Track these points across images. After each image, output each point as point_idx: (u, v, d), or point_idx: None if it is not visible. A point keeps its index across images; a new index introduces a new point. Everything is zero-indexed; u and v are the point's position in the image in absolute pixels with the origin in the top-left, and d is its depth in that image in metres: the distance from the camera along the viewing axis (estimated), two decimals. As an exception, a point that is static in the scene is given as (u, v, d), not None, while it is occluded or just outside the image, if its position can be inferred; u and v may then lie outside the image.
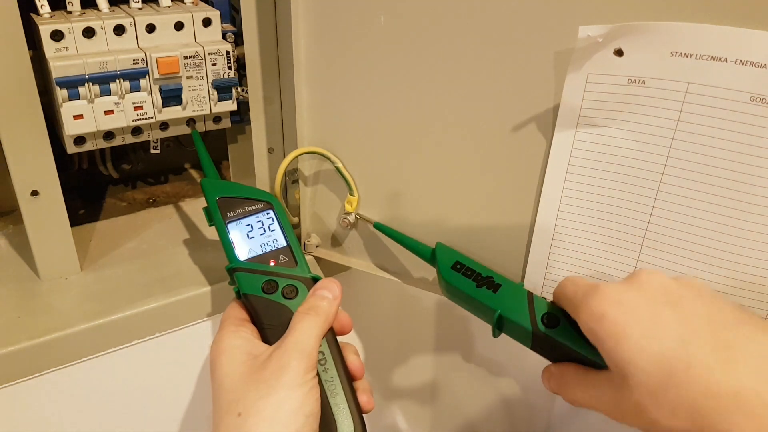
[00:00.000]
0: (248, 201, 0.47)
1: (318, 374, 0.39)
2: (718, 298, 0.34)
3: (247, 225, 0.46)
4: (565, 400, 0.38)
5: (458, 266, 0.44)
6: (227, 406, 0.36)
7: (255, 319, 0.42)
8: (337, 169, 0.50)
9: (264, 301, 0.42)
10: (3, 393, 0.47)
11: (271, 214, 0.47)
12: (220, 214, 0.46)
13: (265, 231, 0.46)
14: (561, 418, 0.84)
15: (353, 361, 0.41)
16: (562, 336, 0.38)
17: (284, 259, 0.45)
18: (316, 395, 0.37)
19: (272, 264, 0.44)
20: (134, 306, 0.51)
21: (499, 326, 0.42)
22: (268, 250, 0.45)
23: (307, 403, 0.36)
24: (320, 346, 0.40)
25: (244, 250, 0.45)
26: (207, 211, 0.48)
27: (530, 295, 0.41)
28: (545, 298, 0.42)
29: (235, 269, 0.44)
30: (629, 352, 0.32)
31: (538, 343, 0.40)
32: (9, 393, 0.47)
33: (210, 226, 0.47)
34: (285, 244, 0.45)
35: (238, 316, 0.42)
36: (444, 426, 0.83)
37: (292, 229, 0.46)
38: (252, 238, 0.46)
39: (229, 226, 0.46)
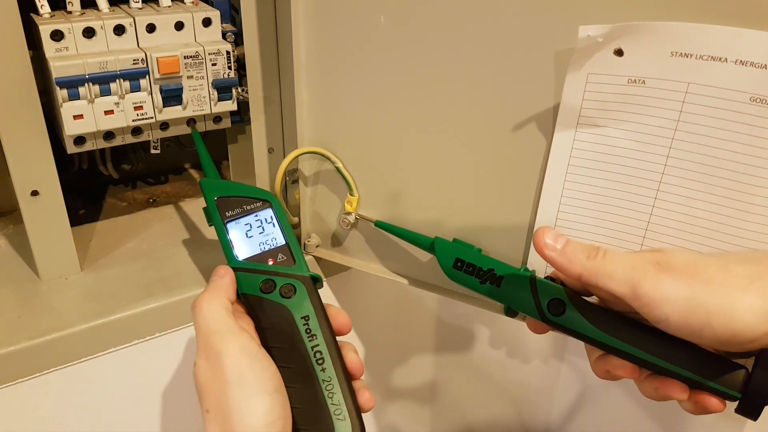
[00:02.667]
0: (247, 200, 0.47)
1: (315, 374, 0.39)
2: None
3: (245, 224, 0.46)
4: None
5: (459, 264, 0.44)
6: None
7: (254, 320, 0.42)
8: (337, 169, 0.50)
9: (262, 300, 0.42)
10: (3, 393, 0.47)
11: (270, 212, 0.47)
12: (218, 213, 0.46)
13: (263, 230, 0.46)
14: (561, 418, 0.84)
15: (352, 360, 0.41)
16: (569, 323, 0.39)
17: (282, 257, 0.45)
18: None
19: (270, 263, 0.44)
20: (134, 306, 0.50)
21: (511, 315, 0.44)
22: (266, 248, 0.45)
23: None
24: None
25: (242, 250, 0.45)
26: (206, 211, 0.48)
27: (533, 281, 0.41)
28: (548, 279, 0.42)
29: (233, 269, 0.44)
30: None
31: (551, 327, 0.41)
32: (9, 393, 0.47)
33: (210, 225, 0.47)
34: (283, 242, 0.45)
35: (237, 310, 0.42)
36: (444, 426, 0.83)
37: (291, 228, 0.46)
38: (251, 237, 0.45)
39: (228, 225, 0.46)
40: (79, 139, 0.52)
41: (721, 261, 0.34)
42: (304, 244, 0.55)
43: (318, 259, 0.56)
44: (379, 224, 0.50)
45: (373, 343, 0.69)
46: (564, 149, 0.41)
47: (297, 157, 0.51)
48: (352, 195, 0.51)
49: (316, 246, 0.55)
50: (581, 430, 0.82)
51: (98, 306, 0.50)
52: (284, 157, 0.52)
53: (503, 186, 0.45)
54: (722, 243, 0.38)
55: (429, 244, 0.47)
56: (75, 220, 0.61)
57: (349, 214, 0.51)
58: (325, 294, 0.60)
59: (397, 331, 0.73)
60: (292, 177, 0.55)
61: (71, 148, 0.52)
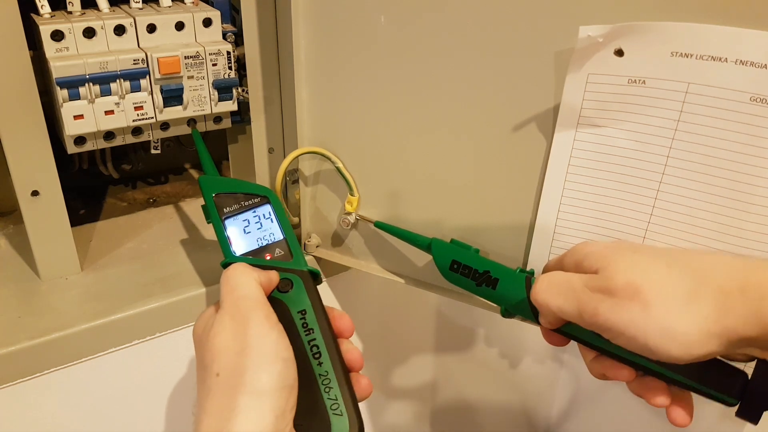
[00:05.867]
0: (245, 196, 0.47)
1: (312, 368, 0.38)
2: None
3: (243, 220, 0.46)
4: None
5: (455, 266, 0.44)
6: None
7: None
8: (338, 169, 0.50)
9: None
10: (3, 393, 0.47)
11: (269, 208, 0.46)
12: (216, 210, 0.46)
13: (261, 225, 0.46)
14: (561, 418, 0.84)
15: (351, 353, 0.41)
16: (564, 325, 0.38)
17: (280, 252, 0.45)
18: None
19: (268, 258, 0.44)
20: (134, 306, 0.51)
21: (509, 316, 0.43)
22: (264, 244, 0.45)
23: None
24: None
25: (240, 245, 0.45)
26: (204, 208, 0.48)
27: (528, 282, 0.41)
28: None
29: (229, 264, 0.44)
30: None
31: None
32: (9, 393, 0.47)
33: (208, 223, 0.47)
34: (281, 237, 0.45)
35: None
36: (444, 424, 0.83)
37: (289, 223, 0.46)
38: (249, 233, 0.45)
39: (226, 221, 0.46)
40: (80, 139, 0.52)
41: (664, 274, 0.33)
42: (305, 243, 0.55)
43: (318, 259, 0.56)
44: (378, 225, 0.50)
45: (373, 343, 0.69)
46: (564, 149, 0.41)
47: (297, 157, 0.51)
48: (352, 195, 0.51)
49: (317, 246, 0.55)
50: (581, 429, 0.82)
51: (98, 306, 0.50)
52: (284, 157, 0.52)
53: (504, 186, 0.45)
54: (722, 243, 0.38)
55: (427, 245, 0.47)
56: (75, 220, 0.61)
57: (349, 214, 0.51)
58: (325, 294, 0.60)
59: (397, 331, 0.73)
60: (293, 177, 0.55)
61: (71, 148, 0.52)
